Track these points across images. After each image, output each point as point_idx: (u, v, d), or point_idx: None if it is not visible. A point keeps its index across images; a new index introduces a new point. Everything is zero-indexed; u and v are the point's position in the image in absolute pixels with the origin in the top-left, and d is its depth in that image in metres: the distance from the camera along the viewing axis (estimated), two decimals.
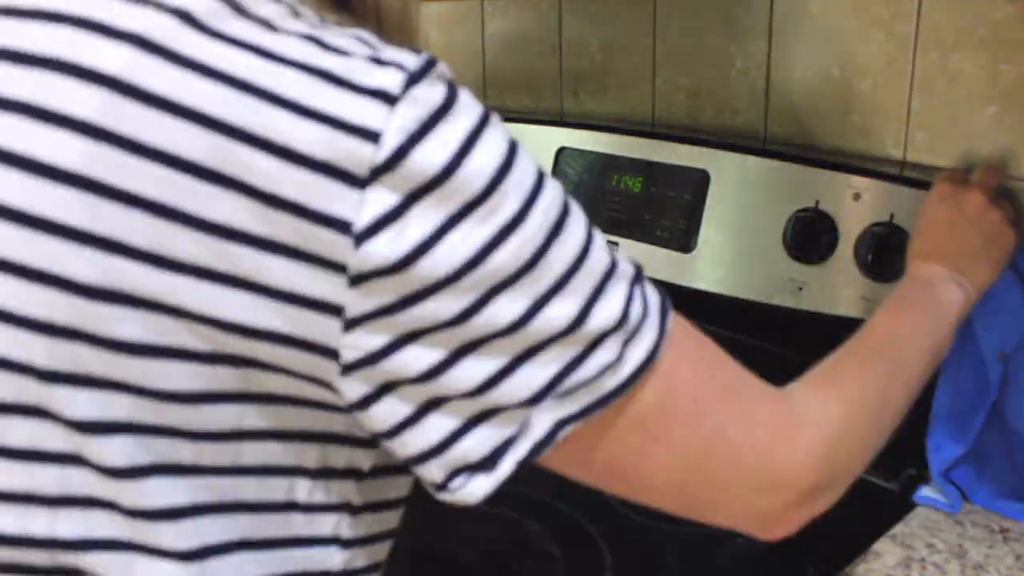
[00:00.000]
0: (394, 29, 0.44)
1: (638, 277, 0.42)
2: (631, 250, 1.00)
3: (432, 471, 0.40)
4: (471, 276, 0.36)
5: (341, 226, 0.35)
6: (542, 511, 0.79)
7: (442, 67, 0.37)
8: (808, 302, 0.84)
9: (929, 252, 0.66)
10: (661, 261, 0.97)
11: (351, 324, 0.36)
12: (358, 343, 0.36)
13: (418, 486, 0.45)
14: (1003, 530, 0.74)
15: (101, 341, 0.36)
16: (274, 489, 0.41)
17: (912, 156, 0.87)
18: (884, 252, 0.78)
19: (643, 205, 1.00)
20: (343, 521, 0.44)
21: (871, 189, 0.81)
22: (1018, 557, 0.71)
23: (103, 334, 0.36)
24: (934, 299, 0.62)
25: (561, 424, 0.40)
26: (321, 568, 0.44)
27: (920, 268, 0.66)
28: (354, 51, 0.36)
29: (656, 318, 0.42)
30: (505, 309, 0.37)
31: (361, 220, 0.35)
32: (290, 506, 0.42)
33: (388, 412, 0.38)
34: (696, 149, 0.96)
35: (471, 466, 0.40)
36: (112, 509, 0.39)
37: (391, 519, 0.48)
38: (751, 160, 0.91)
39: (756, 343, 0.92)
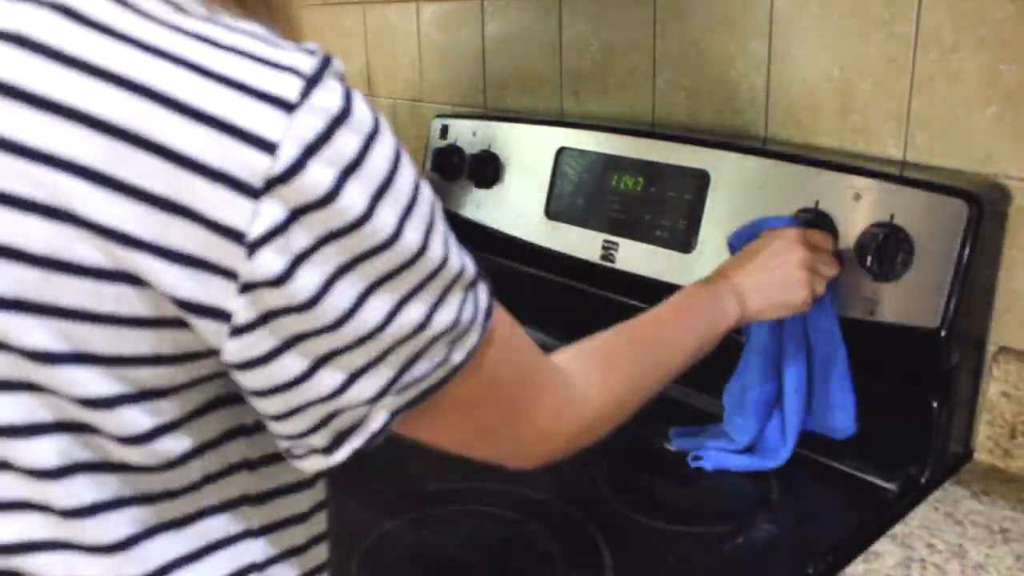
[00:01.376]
0: (281, 20, 0.44)
1: (474, 282, 0.47)
2: (631, 250, 1.00)
3: (282, 445, 0.45)
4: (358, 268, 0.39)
5: (235, 236, 0.35)
6: (542, 511, 0.79)
7: (336, 65, 0.38)
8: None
9: (737, 269, 0.74)
10: (661, 261, 0.97)
11: (236, 331, 0.38)
12: (241, 350, 0.39)
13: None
14: (1003, 530, 0.74)
15: (17, 350, 0.37)
16: (188, 473, 0.44)
17: (912, 156, 0.87)
18: (884, 252, 0.78)
19: (643, 205, 1.00)
20: (247, 480, 0.47)
21: (871, 189, 0.81)
22: (1018, 557, 0.71)
23: (16, 343, 0.37)
24: (716, 310, 0.71)
25: (393, 415, 0.46)
26: (239, 529, 0.47)
27: (720, 277, 0.74)
28: (249, 50, 0.36)
29: (481, 323, 0.47)
30: (370, 314, 0.40)
31: (254, 231, 0.35)
32: (202, 481, 0.45)
33: (262, 406, 0.42)
34: (696, 149, 0.96)
35: (314, 449, 0.45)
36: (46, 511, 0.40)
37: (292, 473, 0.50)
38: (751, 160, 0.91)
39: None
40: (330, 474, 0.50)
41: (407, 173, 0.40)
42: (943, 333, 0.76)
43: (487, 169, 1.19)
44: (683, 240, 0.95)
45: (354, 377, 0.42)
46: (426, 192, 0.41)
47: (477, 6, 1.34)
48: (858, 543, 0.73)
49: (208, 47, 0.36)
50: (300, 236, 0.36)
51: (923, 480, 0.81)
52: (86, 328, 0.37)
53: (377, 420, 0.45)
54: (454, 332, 0.44)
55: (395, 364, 0.43)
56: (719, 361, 0.96)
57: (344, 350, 0.40)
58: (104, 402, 0.39)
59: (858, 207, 0.81)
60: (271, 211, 0.35)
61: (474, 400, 0.50)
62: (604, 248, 1.04)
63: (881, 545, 0.73)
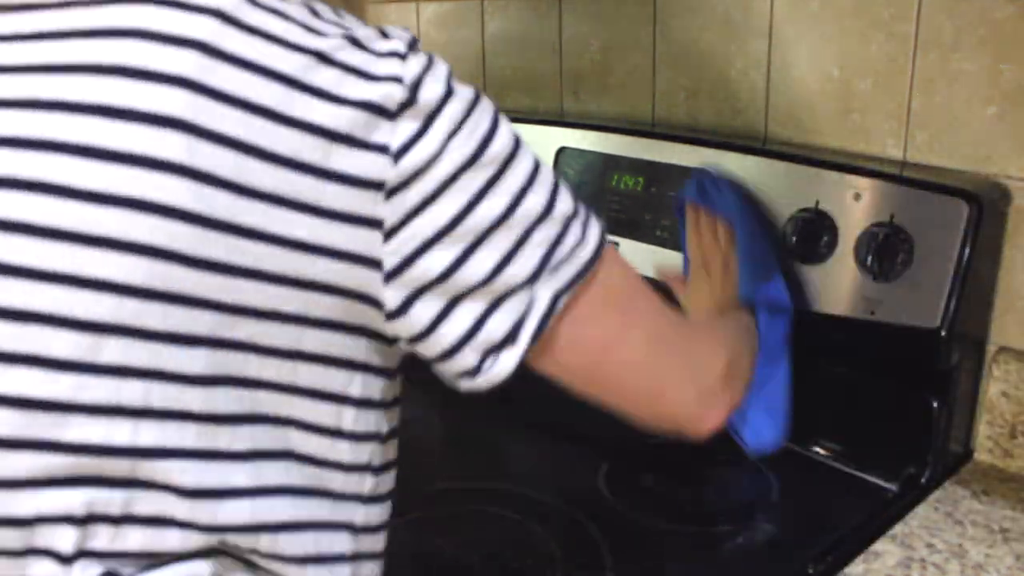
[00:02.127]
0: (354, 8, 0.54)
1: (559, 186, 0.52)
2: (631, 250, 1.00)
3: (467, 357, 0.47)
4: (479, 162, 0.46)
5: (381, 149, 0.43)
6: (542, 511, 0.79)
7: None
8: (808, 302, 0.84)
9: (708, 297, 0.81)
10: (661, 261, 0.97)
11: (389, 234, 0.44)
12: (396, 250, 0.44)
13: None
14: (1003, 530, 0.74)
15: (191, 261, 0.41)
16: (324, 414, 0.47)
17: (912, 156, 0.87)
18: (884, 252, 0.78)
19: (643, 205, 1.00)
20: (376, 450, 0.52)
21: (871, 189, 0.81)
22: (1018, 557, 0.71)
23: (193, 254, 0.41)
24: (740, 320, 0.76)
25: (557, 296, 0.48)
26: (356, 491, 0.51)
27: (716, 307, 0.80)
28: (362, 31, 0.47)
29: (597, 224, 0.51)
30: (496, 201, 0.46)
31: (396, 142, 0.43)
32: (337, 432, 0.48)
33: (423, 312, 0.45)
34: (696, 149, 0.96)
35: (496, 345, 0.47)
36: (186, 418, 0.43)
37: (396, 449, 0.56)
38: (751, 160, 0.91)
39: None
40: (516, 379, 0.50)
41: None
42: (943, 333, 0.76)
43: None
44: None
45: (507, 259, 0.46)
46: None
47: (477, 6, 1.34)
48: (858, 543, 0.73)
49: (341, 31, 0.46)
50: (433, 136, 0.45)
51: (923, 480, 0.81)
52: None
53: (543, 299, 0.48)
54: (579, 217, 0.50)
55: (540, 245, 0.47)
56: None
57: (486, 234, 0.46)
58: (258, 313, 0.44)
59: (858, 207, 0.81)
60: (408, 125, 0.44)
61: (633, 299, 0.53)
62: None
63: (881, 545, 0.73)
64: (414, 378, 1.01)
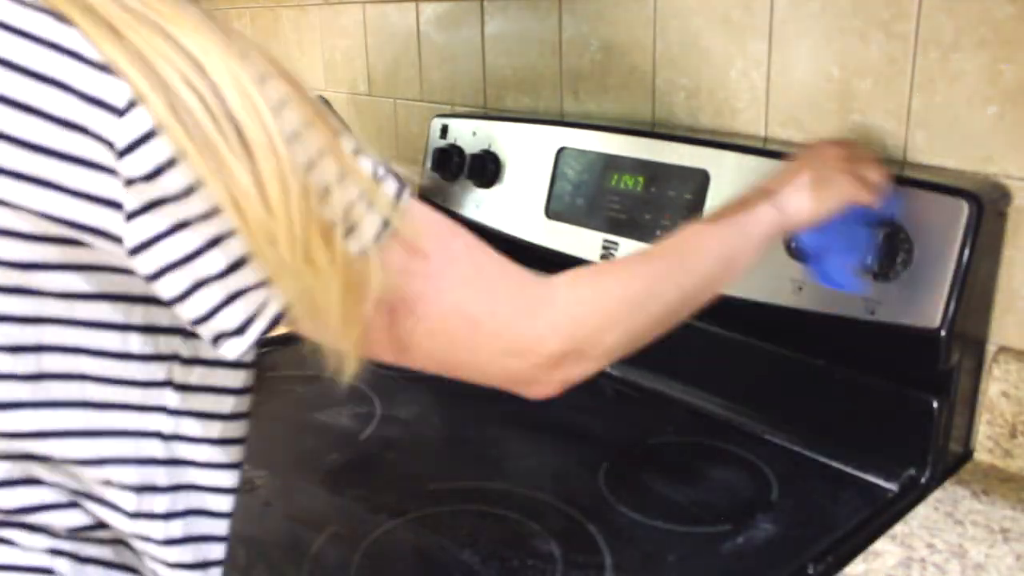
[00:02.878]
0: None
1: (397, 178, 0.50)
2: (631, 250, 1.00)
3: (203, 334, 0.47)
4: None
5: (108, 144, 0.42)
6: (542, 511, 0.79)
7: None
8: (808, 302, 0.84)
9: (770, 180, 0.70)
10: None
11: (130, 216, 0.43)
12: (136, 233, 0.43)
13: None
14: (1003, 530, 0.74)
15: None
16: (109, 340, 0.48)
17: (912, 156, 0.87)
18: (884, 252, 0.78)
19: (643, 205, 1.00)
20: (176, 368, 0.51)
21: None
22: (1018, 557, 0.71)
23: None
24: (747, 216, 0.66)
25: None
26: (158, 404, 0.51)
27: (767, 182, 0.70)
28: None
29: (405, 192, 0.49)
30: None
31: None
32: (125, 355, 0.49)
33: (168, 286, 0.45)
34: (696, 149, 0.96)
35: (227, 333, 0.47)
36: None
37: (225, 378, 0.54)
38: (751, 160, 0.91)
39: (756, 343, 0.92)
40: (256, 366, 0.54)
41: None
42: (943, 333, 0.76)
43: (487, 169, 1.19)
44: None
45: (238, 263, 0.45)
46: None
47: (477, 6, 1.34)
48: (858, 543, 0.73)
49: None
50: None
51: (923, 480, 0.81)
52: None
53: (278, 301, 0.47)
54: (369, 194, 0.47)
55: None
56: (718, 362, 0.96)
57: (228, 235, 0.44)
58: (25, 266, 0.45)
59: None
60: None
61: (414, 288, 0.50)
62: (604, 248, 1.04)
63: (881, 545, 0.73)
64: (411, 377, 1.01)
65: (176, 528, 0.53)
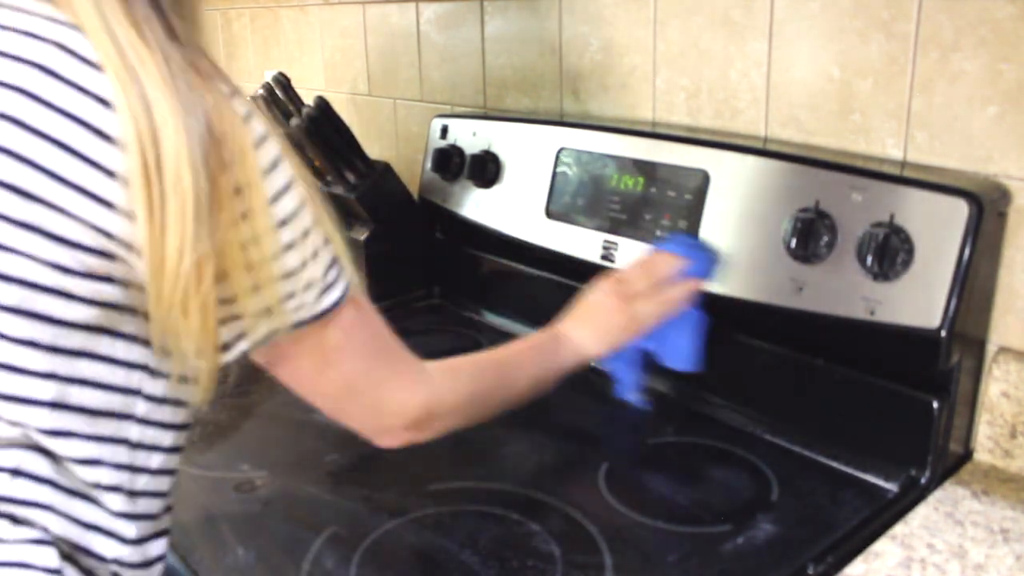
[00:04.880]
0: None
1: (335, 261, 0.61)
2: (631, 250, 1.00)
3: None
4: None
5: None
6: (542, 511, 0.79)
7: None
8: (808, 302, 0.84)
9: (570, 324, 0.87)
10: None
11: None
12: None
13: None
14: (1003, 530, 0.74)
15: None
16: (107, 346, 0.55)
17: (912, 156, 0.87)
18: (884, 252, 0.78)
19: (643, 205, 1.00)
20: (144, 379, 0.58)
21: (871, 189, 0.81)
22: (1018, 557, 0.71)
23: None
24: (554, 360, 0.84)
25: (275, 332, 0.58)
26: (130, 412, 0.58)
27: (563, 327, 0.87)
28: None
29: (342, 287, 0.61)
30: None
31: None
32: (112, 360, 0.56)
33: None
34: (696, 149, 0.96)
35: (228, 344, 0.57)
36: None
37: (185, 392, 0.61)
38: (751, 160, 0.91)
39: (756, 343, 0.92)
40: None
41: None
42: (943, 333, 0.76)
43: (487, 169, 1.19)
44: None
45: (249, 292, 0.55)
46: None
47: (477, 6, 1.34)
48: (858, 543, 0.73)
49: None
50: None
51: (923, 480, 0.81)
52: None
53: (260, 332, 0.57)
54: (323, 281, 0.59)
55: (277, 292, 0.56)
56: (718, 362, 0.96)
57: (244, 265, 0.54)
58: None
59: (858, 207, 0.81)
60: None
61: (339, 349, 0.64)
62: (604, 248, 1.04)
63: (881, 545, 0.73)
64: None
65: (134, 528, 0.60)
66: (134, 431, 0.58)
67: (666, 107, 1.10)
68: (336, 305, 0.61)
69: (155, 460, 0.60)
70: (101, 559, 0.58)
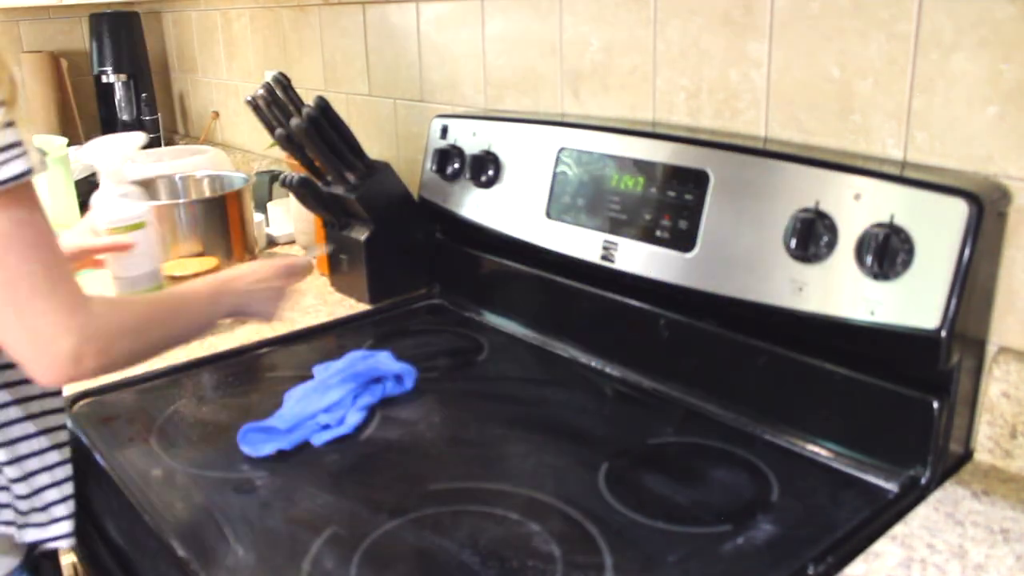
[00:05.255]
0: None
1: (15, 145, 0.64)
2: (631, 250, 1.00)
3: None
4: None
5: None
6: (542, 511, 0.79)
7: None
8: (808, 302, 0.84)
9: (241, 276, 0.96)
10: (661, 261, 0.97)
11: None
12: None
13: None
14: (1003, 530, 0.74)
15: None
16: None
17: (912, 156, 0.87)
18: (884, 252, 0.78)
19: (643, 205, 1.00)
20: None
21: (871, 189, 0.81)
22: (1018, 557, 0.71)
23: None
24: (218, 299, 0.92)
25: None
26: None
27: (228, 276, 0.95)
28: None
29: (18, 169, 0.63)
30: None
31: None
32: None
33: None
34: (696, 149, 0.96)
35: None
36: None
37: None
38: (751, 160, 0.91)
39: (756, 343, 0.92)
40: None
41: None
42: (943, 333, 0.76)
43: (487, 169, 1.19)
44: (683, 240, 0.95)
45: None
46: None
47: (477, 6, 1.34)
48: (858, 543, 0.73)
49: None
50: None
51: (923, 480, 0.81)
52: None
53: None
54: None
55: None
56: (718, 362, 0.96)
57: None
58: None
59: (858, 207, 0.81)
60: None
61: (5, 237, 0.64)
62: (604, 248, 1.04)
63: (881, 545, 0.73)
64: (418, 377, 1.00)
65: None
66: None
67: (666, 107, 1.10)
68: (11, 180, 0.63)
69: None
70: None
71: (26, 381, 0.79)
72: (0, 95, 0.63)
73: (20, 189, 0.65)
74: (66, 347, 0.68)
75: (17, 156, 0.64)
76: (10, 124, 0.63)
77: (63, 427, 0.84)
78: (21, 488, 0.79)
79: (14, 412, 0.79)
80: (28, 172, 0.64)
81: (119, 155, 1.27)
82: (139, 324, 0.78)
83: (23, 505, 0.80)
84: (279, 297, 1.01)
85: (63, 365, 0.69)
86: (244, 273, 0.98)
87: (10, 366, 0.77)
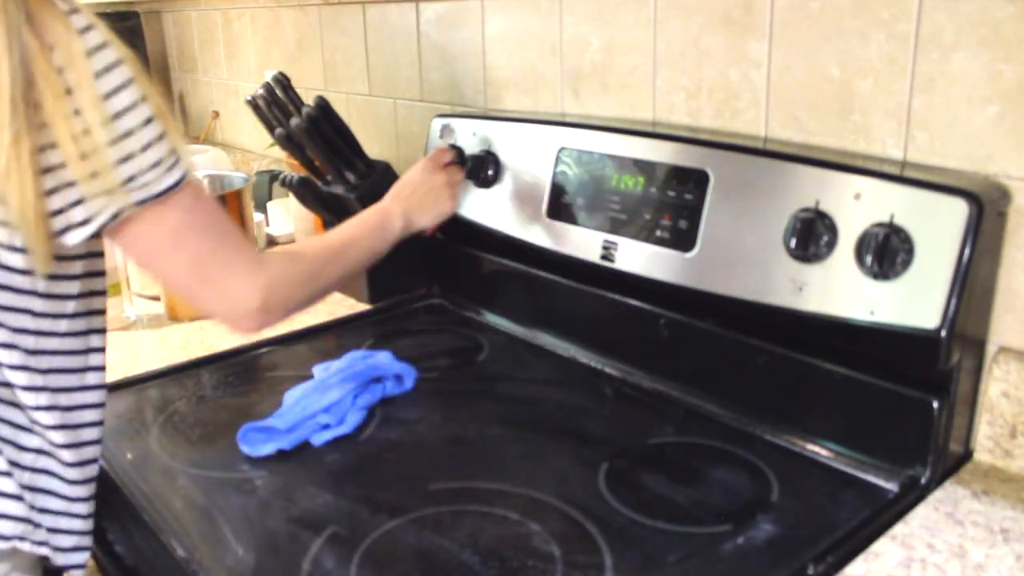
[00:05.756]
0: None
1: (174, 150, 0.70)
2: (631, 250, 1.00)
3: (58, 223, 0.68)
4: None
5: None
6: (542, 511, 0.79)
7: None
8: (808, 302, 0.84)
9: (397, 196, 1.05)
10: (661, 261, 0.97)
11: None
12: None
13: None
14: (1003, 530, 0.74)
15: None
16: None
17: (912, 156, 0.87)
18: (884, 252, 0.78)
19: (643, 205, 1.00)
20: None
21: (871, 189, 0.81)
22: (1018, 557, 0.71)
23: None
24: (384, 225, 1.00)
25: (121, 211, 0.68)
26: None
27: (387, 202, 1.04)
28: None
29: (181, 172, 0.70)
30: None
31: None
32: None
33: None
34: (696, 149, 0.96)
35: (74, 225, 0.68)
36: None
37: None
38: (751, 160, 0.91)
39: (756, 343, 0.92)
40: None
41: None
42: (943, 333, 0.76)
43: (487, 169, 1.19)
44: (683, 240, 0.95)
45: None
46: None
47: (477, 6, 1.34)
48: (858, 543, 0.73)
49: None
50: None
51: (923, 480, 0.81)
52: None
53: (106, 212, 0.67)
54: (162, 165, 0.69)
55: (115, 175, 0.66)
56: (718, 362, 0.96)
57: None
58: None
59: (858, 207, 0.81)
60: None
61: (184, 227, 0.72)
62: (604, 248, 1.04)
63: (881, 545, 0.73)
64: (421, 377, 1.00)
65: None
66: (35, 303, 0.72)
67: (666, 107, 1.10)
68: (176, 186, 0.70)
69: (62, 325, 0.75)
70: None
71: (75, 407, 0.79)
72: (148, 111, 0.67)
73: (180, 187, 0.71)
74: (255, 303, 0.77)
75: (171, 167, 0.70)
76: (161, 137, 0.68)
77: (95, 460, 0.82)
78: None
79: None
80: (182, 179, 0.70)
81: None
82: (314, 270, 0.86)
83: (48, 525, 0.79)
84: (442, 191, 1.08)
85: (255, 318, 0.78)
86: (399, 190, 1.05)
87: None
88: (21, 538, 0.74)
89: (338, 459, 0.90)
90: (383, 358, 1.05)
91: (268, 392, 1.03)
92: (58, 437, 0.75)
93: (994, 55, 0.80)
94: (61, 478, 0.77)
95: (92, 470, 0.80)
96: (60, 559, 0.77)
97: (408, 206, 1.04)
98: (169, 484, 0.87)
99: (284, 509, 0.81)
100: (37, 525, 0.75)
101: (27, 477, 0.75)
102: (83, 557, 0.79)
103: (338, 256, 0.92)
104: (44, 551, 0.76)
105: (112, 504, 0.87)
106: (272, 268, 0.80)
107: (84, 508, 0.79)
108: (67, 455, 0.76)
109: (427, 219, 1.06)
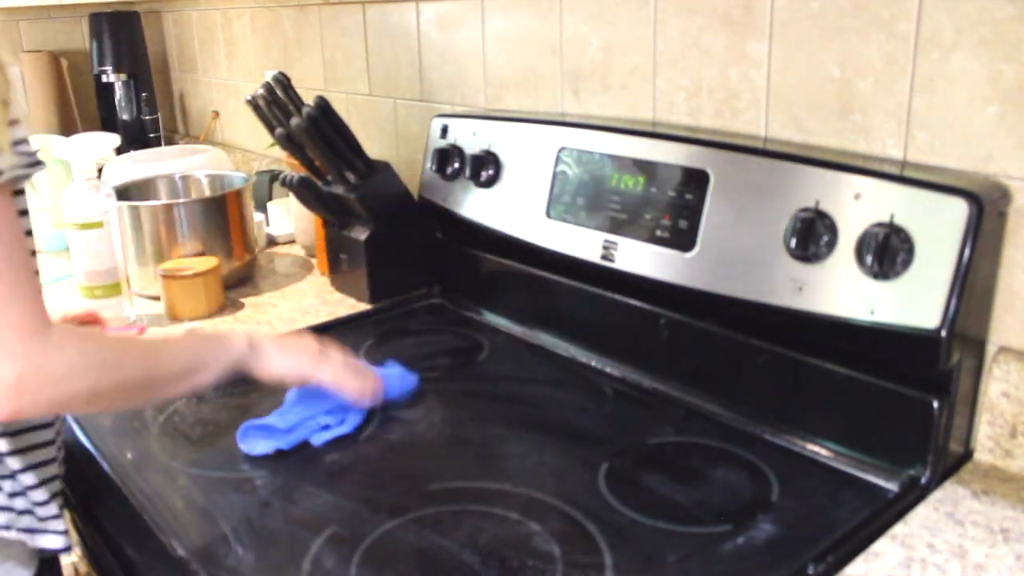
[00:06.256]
0: None
1: None
2: (631, 250, 1.00)
3: None
4: None
5: None
6: (542, 511, 0.79)
7: None
8: (808, 302, 0.84)
9: (267, 336, 0.90)
10: (661, 261, 0.97)
11: None
12: None
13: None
14: (1003, 530, 0.74)
15: None
16: None
17: (912, 156, 0.87)
18: (884, 252, 0.78)
19: (643, 205, 1.00)
20: None
21: (871, 189, 0.81)
22: (1018, 557, 0.71)
23: None
24: (226, 341, 0.84)
25: None
26: None
27: (249, 333, 0.88)
28: None
29: None
30: None
31: None
32: None
33: None
34: (696, 149, 0.96)
35: None
36: None
37: None
38: (751, 160, 0.91)
39: (756, 343, 0.92)
40: None
41: None
42: (943, 333, 0.76)
43: (487, 169, 1.19)
44: (683, 240, 0.95)
45: None
46: None
47: (477, 6, 1.34)
48: (858, 543, 0.73)
49: None
50: None
51: (923, 480, 0.81)
52: None
53: None
54: None
55: None
56: (718, 362, 0.96)
57: None
58: None
59: (858, 207, 0.81)
60: None
61: None
62: (604, 248, 1.04)
63: (881, 545, 0.73)
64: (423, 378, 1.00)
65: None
66: None
67: (666, 107, 1.10)
68: None
69: None
70: None
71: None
72: None
73: None
74: (9, 375, 0.60)
75: None
76: None
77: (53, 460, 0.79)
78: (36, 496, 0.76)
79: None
80: None
81: (92, 154, 1.32)
82: (109, 359, 0.68)
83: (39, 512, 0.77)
84: (314, 353, 0.90)
85: (5, 394, 0.61)
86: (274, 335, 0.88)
87: None
88: (7, 527, 0.72)
89: (338, 459, 0.90)
90: (392, 369, 1.04)
91: (268, 392, 1.03)
92: None
93: (994, 55, 0.80)
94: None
95: (37, 456, 0.73)
96: (38, 541, 0.75)
97: (267, 341, 0.88)
98: (169, 484, 0.87)
99: (284, 509, 0.81)
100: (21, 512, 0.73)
101: None
102: (58, 541, 0.76)
103: (147, 353, 0.74)
104: (23, 537, 0.74)
105: (112, 504, 0.87)
106: (51, 340, 0.63)
107: (40, 495, 0.75)
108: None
109: (280, 363, 0.87)
